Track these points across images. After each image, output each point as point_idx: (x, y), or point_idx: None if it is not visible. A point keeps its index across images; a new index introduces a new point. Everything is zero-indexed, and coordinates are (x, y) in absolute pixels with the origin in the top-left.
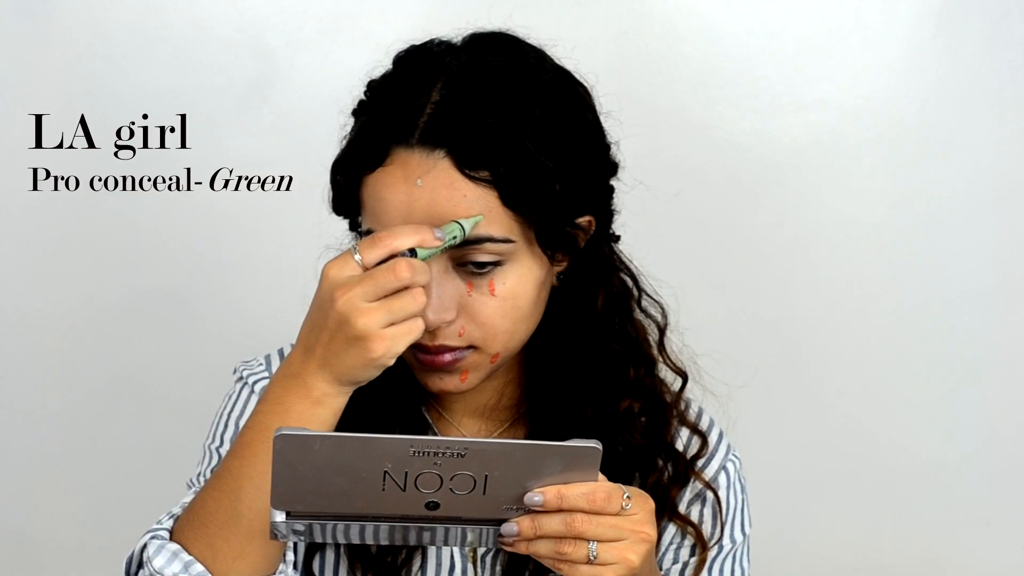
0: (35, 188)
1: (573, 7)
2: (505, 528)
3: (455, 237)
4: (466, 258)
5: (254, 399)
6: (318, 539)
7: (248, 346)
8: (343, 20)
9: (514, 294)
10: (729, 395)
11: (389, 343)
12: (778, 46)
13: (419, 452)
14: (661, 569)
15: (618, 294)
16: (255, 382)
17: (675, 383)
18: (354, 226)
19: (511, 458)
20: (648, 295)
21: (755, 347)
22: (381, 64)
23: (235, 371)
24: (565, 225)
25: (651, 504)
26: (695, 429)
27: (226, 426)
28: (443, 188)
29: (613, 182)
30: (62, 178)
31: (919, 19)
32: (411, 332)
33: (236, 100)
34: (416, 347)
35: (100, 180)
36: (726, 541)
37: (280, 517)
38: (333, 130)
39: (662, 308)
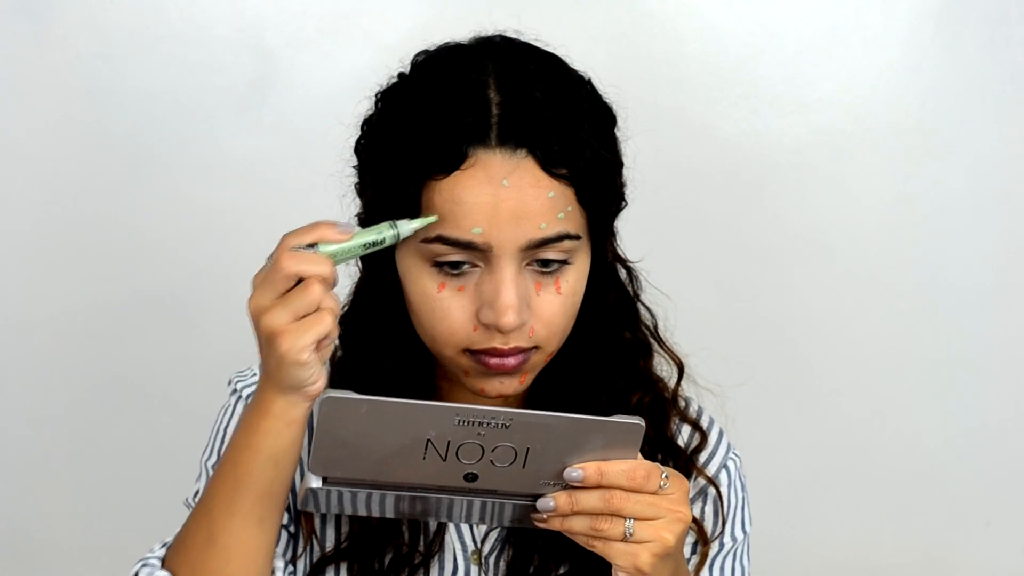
0: (35, 188)
1: (573, 7)
2: (541, 503)
3: (382, 241)
4: (538, 256)
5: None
6: (347, 510)
7: (248, 346)
8: (343, 20)
9: (575, 291)
10: (726, 394)
11: (292, 337)
12: (778, 46)
13: (464, 421)
14: None
15: (624, 286)
16: (248, 395)
17: (671, 379)
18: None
19: (554, 431)
20: (647, 284)
21: (755, 346)
22: (386, 66)
23: (229, 383)
24: (614, 203)
25: (687, 485)
26: (695, 425)
27: (222, 441)
28: (530, 187)
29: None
30: (62, 177)
31: (919, 19)
32: (315, 325)
33: (236, 100)
34: (485, 352)
35: (100, 180)
36: (727, 539)
37: (316, 483)
38: (333, 130)
39: (650, 310)
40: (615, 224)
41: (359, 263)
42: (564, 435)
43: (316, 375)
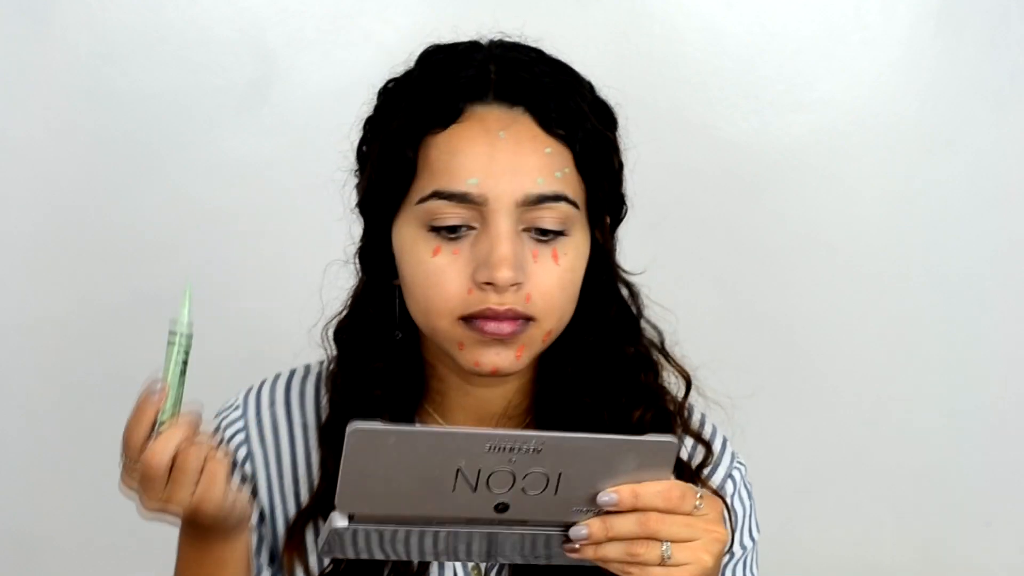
0: (34, 188)
1: (573, 7)
2: (574, 532)
3: (183, 344)
4: (535, 222)
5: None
6: (374, 552)
7: (248, 347)
8: (343, 20)
9: (573, 267)
10: (735, 404)
11: (211, 497)
12: (778, 46)
13: (495, 447)
14: None
15: (625, 301)
16: (230, 437)
17: (678, 391)
18: (376, 232)
19: (587, 454)
20: (648, 300)
21: (754, 347)
22: (390, 67)
23: (216, 416)
24: (613, 205)
25: (720, 504)
26: (698, 438)
27: None
28: (527, 140)
29: None
30: (62, 177)
31: (919, 19)
32: (218, 472)
33: (236, 100)
34: (480, 316)
35: (100, 180)
36: (736, 548)
37: (343, 522)
38: (333, 130)
39: (655, 327)
40: (616, 234)
41: (359, 266)
42: (596, 457)
43: (243, 497)
